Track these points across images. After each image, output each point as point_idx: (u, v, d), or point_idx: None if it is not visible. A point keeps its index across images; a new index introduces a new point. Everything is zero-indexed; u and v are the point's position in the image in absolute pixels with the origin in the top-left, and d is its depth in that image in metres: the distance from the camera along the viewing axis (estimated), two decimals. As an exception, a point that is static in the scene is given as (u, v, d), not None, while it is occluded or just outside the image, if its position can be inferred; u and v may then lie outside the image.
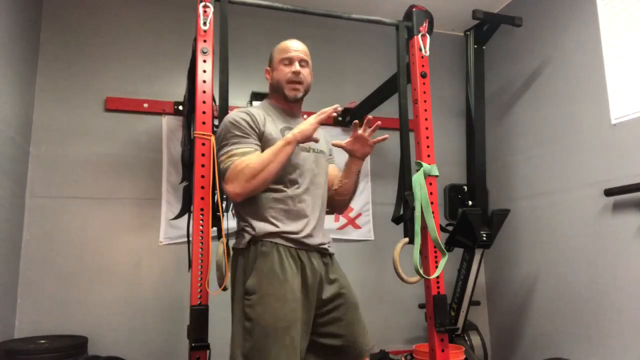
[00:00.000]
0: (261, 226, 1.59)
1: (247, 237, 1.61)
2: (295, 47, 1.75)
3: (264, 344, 1.46)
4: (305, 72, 1.74)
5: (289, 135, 1.58)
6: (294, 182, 1.65)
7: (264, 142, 1.65)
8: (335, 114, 1.62)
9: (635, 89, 2.43)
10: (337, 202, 1.87)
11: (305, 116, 1.86)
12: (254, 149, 1.61)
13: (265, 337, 1.46)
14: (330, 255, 1.75)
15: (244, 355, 1.49)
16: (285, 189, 1.64)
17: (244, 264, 1.60)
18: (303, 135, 1.59)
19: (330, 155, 1.92)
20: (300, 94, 1.74)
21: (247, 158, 1.57)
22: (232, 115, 1.68)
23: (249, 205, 1.64)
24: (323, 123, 1.65)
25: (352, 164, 1.79)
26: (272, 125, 1.69)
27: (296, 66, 1.71)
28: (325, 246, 1.70)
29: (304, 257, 1.61)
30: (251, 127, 1.64)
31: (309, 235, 1.63)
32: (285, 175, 1.64)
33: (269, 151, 1.57)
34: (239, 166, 1.55)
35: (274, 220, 1.60)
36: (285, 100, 1.76)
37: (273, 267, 1.54)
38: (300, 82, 1.72)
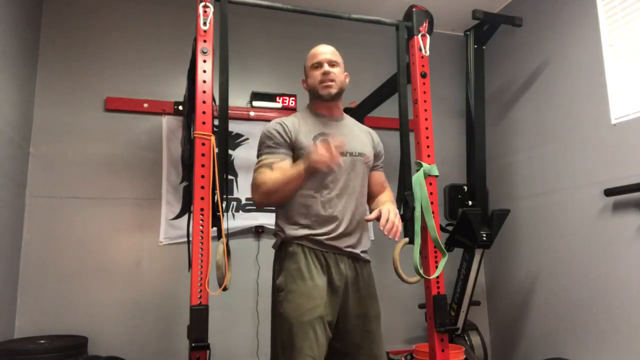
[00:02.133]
0: (291, 230, 1.68)
1: (279, 240, 1.73)
2: (323, 50, 1.80)
3: (290, 337, 1.56)
4: (336, 71, 1.77)
5: (302, 167, 1.61)
6: (325, 187, 1.69)
7: (296, 150, 1.71)
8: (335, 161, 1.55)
9: (635, 89, 2.43)
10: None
11: (344, 115, 1.88)
12: (281, 158, 1.70)
13: (290, 330, 1.56)
14: (364, 261, 1.76)
15: (280, 346, 1.61)
16: (316, 194, 1.68)
17: (278, 264, 1.73)
18: (309, 171, 1.60)
19: (379, 159, 1.92)
20: (334, 91, 1.76)
21: (268, 175, 1.66)
22: (267, 125, 1.77)
23: (282, 211, 1.74)
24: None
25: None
26: (306, 133, 1.73)
27: (325, 67, 1.75)
28: (356, 251, 1.72)
29: (330, 259, 1.66)
30: (282, 136, 1.72)
31: (337, 238, 1.67)
32: (316, 180, 1.68)
33: (284, 176, 1.63)
34: (259, 181, 1.67)
35: (303, 224, 1.67)
36: (322, 101, 1.78)
37: (299, 267, 1.63)
38: (331, 80, 1.75)
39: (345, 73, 1.84)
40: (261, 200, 1.70)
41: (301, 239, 1.66)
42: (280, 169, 1.66)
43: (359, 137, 1.84)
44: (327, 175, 1.69)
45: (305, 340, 1.54)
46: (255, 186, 1.70)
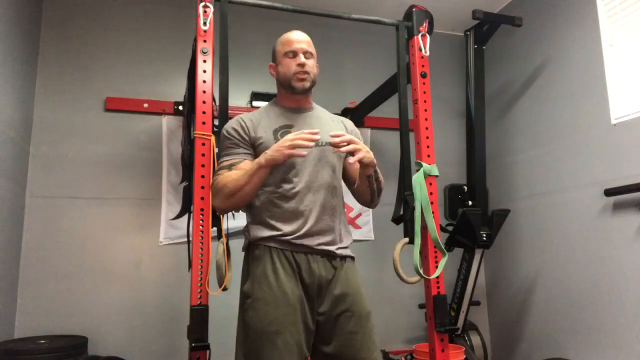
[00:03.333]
0: (256, 230, 1.60)
1: (246, 241, 1.65)
2: (298, 38, 1.69)
3: (257, 348, 1.47)
4: (311, 64, 1.68)
5: (262, 159, 1.50)
6: (288, 182, 1.58)
7: (256, 147, 1.63)
8: (312, 142, 1.47)
9: (635, 89, 2.43)
10: (360, 200, 1.79)
11: (314, 104, 1.78)
12: (241, 158, 1.61)
13: (257, 340, 1.48)
14: (342, 258, 1.63)
15: (244, 356, 1.52)
16: (278, 189, 1.58)
17: (245, 267, 1.64)
18: (271, 161, 1.49)
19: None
20: (308, 84, 1.67)
21: (228, 176, 1.56)
22: (226, 125, 1.69)
23: (248, 209, 1.66)
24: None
25: (360, 169, 1.63)
26: (266, 126, 1.65)
27: (301, 58, 1.65)
28: (330, 248, 1.59)
29: (300, 260, 1.55)
30: (240, 135, 1.63)
31: (306, 236, 1.56)
32: (279, 175, 1.58)
33: (245, 173, 1.53)
34: (219, 184, 1.57)
35: (268, 223, 1.57)
36: (293, 93, 1.69)
37: (265, 272, 1.53)
38: (307, 73, 1.66)
39: (317, 64, 1.74)
40: (224, 204, 1.58)
41: (267, 239, 1.56)
42: (240, 168, 1.57)
43: (327, 126, 1.71)
44: (291, 169, 1.58)
45: (273, 351, 1.44)
46: (216, 191, 1.58)
